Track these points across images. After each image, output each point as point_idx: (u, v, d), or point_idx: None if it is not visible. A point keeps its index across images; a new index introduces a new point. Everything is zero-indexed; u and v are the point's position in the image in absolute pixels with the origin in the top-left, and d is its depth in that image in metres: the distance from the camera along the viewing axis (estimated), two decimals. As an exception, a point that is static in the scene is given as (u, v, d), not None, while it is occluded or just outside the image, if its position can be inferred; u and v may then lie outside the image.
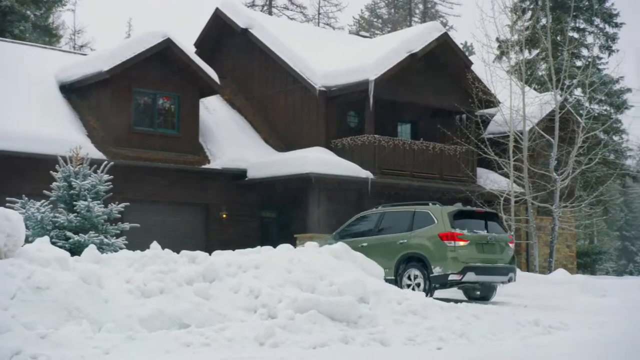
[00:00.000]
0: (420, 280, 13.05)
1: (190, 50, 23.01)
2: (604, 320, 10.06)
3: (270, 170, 21.85)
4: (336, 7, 46.89)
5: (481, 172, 24.21)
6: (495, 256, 13.29)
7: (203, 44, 26.90)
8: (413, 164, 22.92)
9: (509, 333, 8.47)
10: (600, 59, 33.44)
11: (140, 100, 21.56)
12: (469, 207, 15.13)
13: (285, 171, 21.45)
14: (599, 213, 31.21)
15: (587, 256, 34.05)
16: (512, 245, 13.91)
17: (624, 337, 8.67)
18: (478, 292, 13.92)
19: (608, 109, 31.99)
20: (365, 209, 22.77)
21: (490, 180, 23.50)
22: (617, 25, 33.66)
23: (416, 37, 23.46)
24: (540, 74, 30.59)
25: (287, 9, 44.63)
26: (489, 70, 23.31)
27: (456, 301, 12.00)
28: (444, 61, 23.97)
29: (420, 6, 51.24)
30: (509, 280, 13.29)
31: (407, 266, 13.35)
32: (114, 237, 12.67)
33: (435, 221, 13.47)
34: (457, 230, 13.04)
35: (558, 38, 29.16)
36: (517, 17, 31.14)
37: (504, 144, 22.52)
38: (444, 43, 23.68)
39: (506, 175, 22.57)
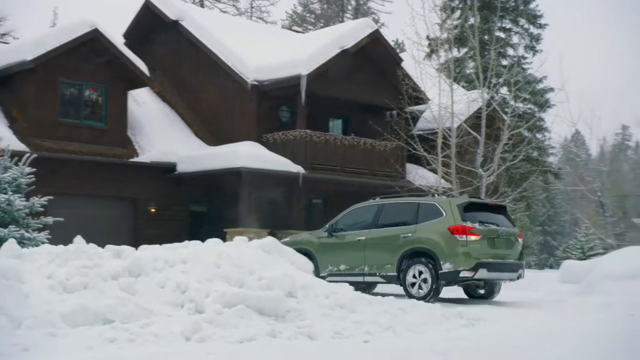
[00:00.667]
0: (427, 276, 11.97)
1: (118, 41, 22.53)
2: (526, 312, 10.36)
3: (200, 164, 21.63)
4: (269, 2, 46.82)
5: (410, 167, 24.58)
6: (506, 251, 12.38)
7: (132, 35, 26.36)
8: (344, 159, 23.09)
9: (434, 325, 8.63)
10: (525, 58, 34.38)
11: (66, 91, 20.98)
12: (478, 199, 14.22)
13: (216, 165, 21.27)
14: (522, 208, 32.13)
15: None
16: (520, 240, 12.92)
17: (543, 328, 8.96)
18: (481, 290, 13.10)
19: (532, 107, 32.93)
20: (297, 204, 22.94)
21: (419, 175, 23.86)
22: (541, 26, 34.68)
23: (348, 33, 23.62)
24: (468, 72, 31.21)
25: (219, 1, 44.21)
26: (419, 68, 23.62)
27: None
28: (375, 58, 24.22)
29: (353, 2, 51.55)
30: (518, 277, 12.52)
31: (411, 262, 12.24)
32: (36, 232, 12.29)
33: (444, 214, 12.33)
34: (469, 224, 12.02)
35: (486, 37, 29.82)
36: (447, 15, 31.81)
37: (432, 140, 22.87)
38: (376, 40, 23.93)
39: (434, 171, 22.94)
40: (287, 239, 13.98)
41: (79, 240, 8.53)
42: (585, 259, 27.24)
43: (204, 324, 7.10)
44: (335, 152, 22.98)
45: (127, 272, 7.83)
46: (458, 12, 34.32)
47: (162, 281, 7.94)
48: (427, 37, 29.62)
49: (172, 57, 25.45)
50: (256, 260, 9.15)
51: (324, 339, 7.28)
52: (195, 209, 23.33)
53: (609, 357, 6.85)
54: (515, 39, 34.32)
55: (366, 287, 13.19)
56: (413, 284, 12.11)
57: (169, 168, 21.92)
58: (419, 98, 23.79)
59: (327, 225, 13.81)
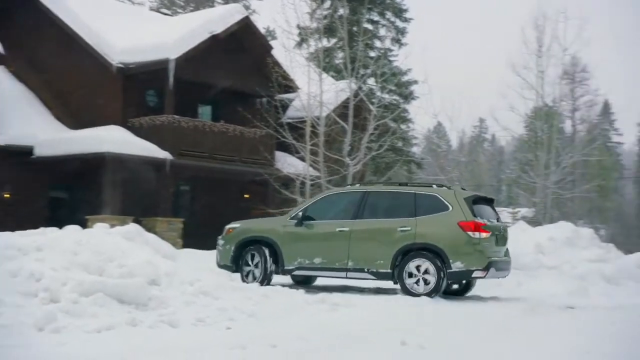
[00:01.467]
0: (431, 273, 10.91)
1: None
2: (388, 298, 10.68)
3: (61, 149, 20.70)
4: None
5: (280, 155, 24.71)
6: (504, 248, 11.75)
7: (-17, 9, 24.69)
8: (213, 145, 22.85)
9: (297, 311, 8.72)
10: (391, 51, 35.40)
11: None
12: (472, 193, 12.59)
13: (78, 150, 20.44)
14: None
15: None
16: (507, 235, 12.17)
17: (404, 312, 9.30)
18: (456, 286, 12.10)
19: (397, 98, 34.00)
20: (164, 191, 22.41)
21: (288, 163, 24.05)
22: (406, 20, 35.82)
23: (218, 18, 23.35)
24: (337, 62, 31.72)
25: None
26: (289, 56, 23.75)
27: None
28: (245, 44, 24.08)
29: (224, -13, 50.86)
30: (507, 274, 11.92)
31: (409, 258, 11.07)
32: None
33: (450, 207, 11.25)
34: (480, 220, 11.13)
35: (354, 29, 30.34)
36: (317, 5, 32.15)
37: (301, 128, 23.08)
38: (246, 26, 23.79)
39: (303, 159, 23.19)
40: (235, 225, 12.49)
41: None
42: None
43: (59, 313, 6.80)
44: (205, 139, 22.70)
45: (-26, 261, 7.35)
46: (328, 3, 34.79)
47: (15, 270, 7.50)
48: (298, 26, 29.79)
49: (31, 35, 24.07)
50: (118, 248, 8.85)
51: (186, 326, 7.18)
52: (55, 195, 22.28)
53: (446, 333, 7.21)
54: (382, 32, 35.26)
55: (304, 280, 12.62)
56: (415, 281, 11.00)
57: (26, 152, 20.80)
58: (289, 86, 23.92)
59: (294, 213, 12.11)
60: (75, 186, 22.00)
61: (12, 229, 9.95)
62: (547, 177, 25.56)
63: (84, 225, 16.03)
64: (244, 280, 11.56)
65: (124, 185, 20.65)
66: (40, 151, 20.88)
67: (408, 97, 32.88)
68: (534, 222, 26.28)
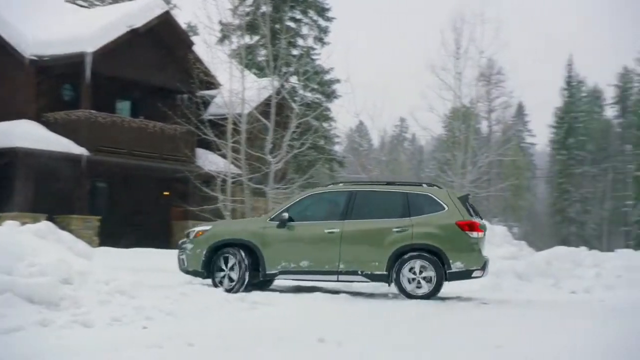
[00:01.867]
0: (431, 274, 10.75)
1: None
2: (308, 296, 10.71)
3: (-31, 144, 19.86)
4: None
5: (201, 152, 24.43)
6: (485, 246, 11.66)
7: None
8: (132, 142, 22.41)
9: (216, 310, 8.65)
10: (314, 49, 35.54)
11: None
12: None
13: (-13, 145, 19.64)
14: (309, 194, 33.32)
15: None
16: None
17: (323, 311, 9.36)
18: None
19: (319, 97, 34.18)
20: (80, 188, 21.80)
21: (209, 160, 23.80)
22: (329, 19, 36.04)
23: (138, 12, 22.90)
24: (259, 59, 31.63)
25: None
26: (211, 53, 23.51)
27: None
28: (166, 39, 23.71)
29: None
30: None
31: (407, 259, 10.83)
32: None
33: (446, 207, 11.12)
34: (475, 219, 11.20)
35: (277, 26, 30.33)
36: (239, 2, 31.90)
37: (223, 125, 22.88)
38: (166, 21, 23.42)
39: (224, 157, 23.00)
40: (205, 228, 11.52)
41: None
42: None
43: (-37, 315, 6.53)
44: (123, 135, 22.22)
45: None
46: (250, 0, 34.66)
47: None
48: (220, 22, 29.56)
49: None
50: (29, 246, 8.55)
51: (101, 326, 7.01)
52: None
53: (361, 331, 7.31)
54: (305, 30, 35.38)
55: (265, 283, 11.62)
56: (411, 282, 10.82)
57: None
58: (211, 83, 23.67)
59: (274, 214, 11.39)
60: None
61: None
62: (463, 176, 26.24)
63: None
64: (216, 286, 10.82)
65: (37, 182, 19.99)
66: (-54, 146, 19.95)
67: (330, 95, 33.11)
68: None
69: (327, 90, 33.79)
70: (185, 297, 9.01)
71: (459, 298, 11.35)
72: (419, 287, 10.79)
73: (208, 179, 22.81)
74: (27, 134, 19.88)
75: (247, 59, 30.04)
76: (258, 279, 11.12)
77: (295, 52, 33.31)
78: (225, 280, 10.93)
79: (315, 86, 33.17)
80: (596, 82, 70.26)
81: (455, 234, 10.95)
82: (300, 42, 34.64)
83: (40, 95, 21.74)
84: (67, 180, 20.75)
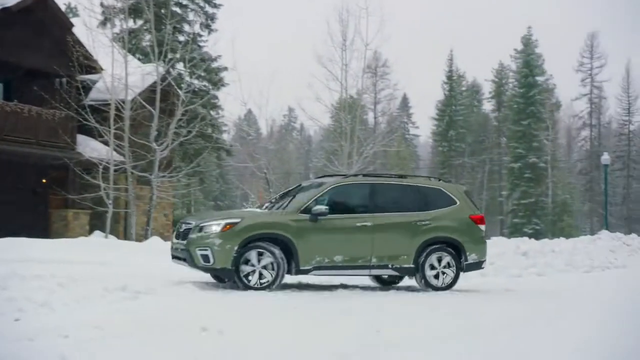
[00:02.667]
0: (451, 266, 11.32)
1: None
2: (190, 283, 10.54)
3: None
4: None
5: (81, 139, 23.47)
6: None
7: None
8: (5, 127, 21.20)
9: (95, 299, 8.33)
10: (201, 36, 34.92)
11: None
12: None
13: None
14: (195, 183, 32.86)
15: (184, 224, 35.54)
16: None
17: (208, 301, 9.24)
18: (388, 276, 12.12)
19: (207, 84, 33.65)
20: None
21: (90, 147, 22.94)
22: (216, 5, 35.46)
23: (11, -10, 21.64)
24: (144, 44, 30.75)
25: None
26: (92, 36, 22.66)
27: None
28: (43, 20, 22.53)
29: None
30: None
31: (430, 252, 11.22)
32: None
33: (457, 201, 11.74)
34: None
35: (162, 11, 29.57)
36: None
37: (105, 111, 22.14)
38: (42, 1, 22.27)
39: (107, 143, 22.26)
40: (233, 220, 10.34)
41: None
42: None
43: None
44: (-7, 119, 20.98)
45: None
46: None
47: None
48: (101, 5, 28.51)
49: None
50: None
51: (-33, 319, 6.60)
52: None
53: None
54: (191, 16, 34.65)
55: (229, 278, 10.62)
56: (435, 275, 11.25)
57: None
58: (92, 67, 22.82)
59: (301, 206, 10.70)
60: None
61: None
62: (350, 166, 26.65)
63: None
64: (246, 286, 10.05)
65: None
66: None
67: (217, 83, 32.64)
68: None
69: (215, 78, 33.26)
70: (62, 288, 8.62)
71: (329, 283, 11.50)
72: (438, 280, 11.25)
73: (89, 167, 21.99)
74: None
75: (131, 44, 29.15)
76: (291, 274, 10.60)
77: (181, 38, 32.60)
78: (255, 277, 10.15)
79: (202, 73, 32.56)
80: (475, 77, 73.37)
81: (470, 227, 11.66)
82: (186, 28, 33.86)
83: None
84: None
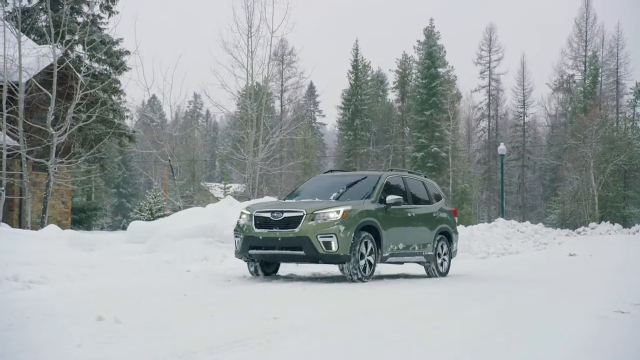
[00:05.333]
0: (447, 255, 13.01)
1: None
2: (86, 272, 10.25)
3: None
4: None
5: (-30, 122, 22.25)
6: None
7: None
8: None
9: (-17, 290, 7.97)
10: (101, 18, 33.78)
11: None
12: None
13: None
14: (96, 170, 31.84)
15: (83, 212, 34.53)
16: None
17: (105, 289, 9.00)
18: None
19: (108, 68, 32.59)
20: None
21: (-19, 132, 21.79)
22: (117, -14, 34.31)
23: None
24: (40, 25, 29.42)
25: None
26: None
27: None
28: None
29: None
30: None
31: (439, 240, 12.75)
32: None
33: (442, 196, 13.38)
34: None
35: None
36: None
37: (-3, 94, 21.08)
38: None
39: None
40: (347, 208, 10.28)
41: None
42: (153, 220, 28.22)
43: None
44: None
45: None
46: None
47: None
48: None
49: None
50: None
51: None
52: None
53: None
54: (92, -4, 33.41)
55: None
56: (442, 263, 12.81)
57: None
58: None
59: (373, 196, 11.04)
60: None
61: None
62: (256, 153, 26.52)
63: None
64: (360, 275, 10.40)
65: None
66: None
67: (119, 67, 31.63)
68: (244, 197, 27.22)
69: (116, 62, 32.19)
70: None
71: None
72: (442, 266, 12.78)
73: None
74: None
75: (25, 24, 27.86)
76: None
77: (80, 19, 31.42)
78: (367, 267, 10.55)
79: (103, 57, 31.47)
80: (380, 67, 74.61)
81: (453, 219, 13.33)
82: (85, 9, 32.63)
83: None
84: None
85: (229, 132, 68.94)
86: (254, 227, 10.40)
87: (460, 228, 24.78)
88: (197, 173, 52.81)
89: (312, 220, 10.01)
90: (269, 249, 10.28)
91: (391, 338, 5.67)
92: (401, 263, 12.33)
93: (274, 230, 10.18)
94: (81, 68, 23.99)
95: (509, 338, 5.80)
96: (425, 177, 13.63)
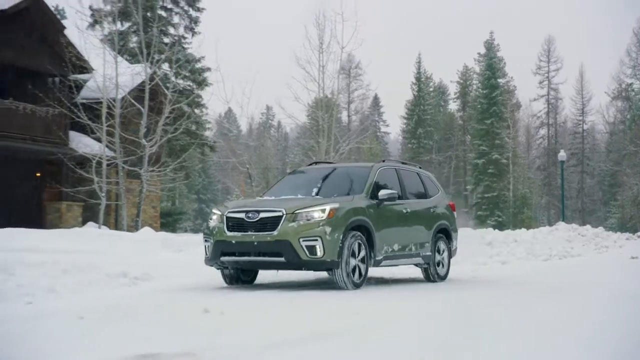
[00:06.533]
0: (445, 255, 10.67)
1: None
2: (179, 272, 10.63)
3: None
4: None
5: (73, 135, 23.37)
6: None
7: None
8: (1, 123, 21.05)
9: (98, 286, 8.44)
10: (185, 38, 34.83)
11: None
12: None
13: None
14: (181, 177, 32.80)
15: (170, 216, 35.58)
16: None
17: (205, 285, 9.37)
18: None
19: (191, 84, 33.58)
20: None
21: (82, 143, 22.86)
22: (199, 9, 35.35)
23: (6, -7, 21.46)
24: (131, 46, 30.57)
25: None
26: (83, 37, 22.55)
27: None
28: (36, 22, 22.38)
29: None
30: None
31: (437, 238, 10.50)
32: None
33: (439, 189, 11.13)
34: None
35: (149, 14, 29.46)
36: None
37: (96, 109, 22.07)
38: (36, 3, 22.12)
39: (99, 140, 22.20)
40: (335, 206, 8.35)
41: None
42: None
43: None
44: (-10, 116, 20.82)
45: None
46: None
47: None
48: (90, 8, 28.29)
49: None
50: None
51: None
52: None
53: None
54: (176, 19, 34.54)
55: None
56: (439, 263, 10.54)
57: None
58: (83, 67, 22.70)
59: (364, 191, 9.11)
60: None
61: None
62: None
63: None
64: (352, 282, 8.43)
65: None
66: None
67: (201, 83, 32.58)
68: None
69: (198, 78, 33.19)
70: (65, 274, 8.70)
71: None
72: (442, 268, 10.62)
73: (82, 161, 21.89)
74: None
75: (120, 45, 28.99)
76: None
77: (166, 40, 32.47)
78: (357, 272, 8.56)
79: (187, 74, 32.50)
80: (441, 79, 73.98)
81: (451, 214, 11.04)
82: (171, 30, 33.74)
83: None
84: None
85: (299, 141, 69.62)
86: (225, 230, 8.42)
87: (522, 231, 24.46)
88: (271, 180, 53.58)
89: (294, 221, 8.13)
90: (243, 255, 8.35)
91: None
92: (396, 265, 10.12)
93: (249, 233, 8.24)
94: (168, 84, 24.81)
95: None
96: (420, 168, 11.29)
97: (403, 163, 11.02)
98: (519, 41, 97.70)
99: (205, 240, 8.80)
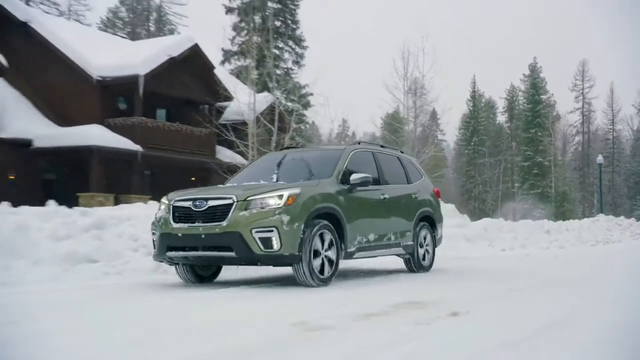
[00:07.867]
0: (430, 245, 8.29)
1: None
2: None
3: (56, 141, 20.72)
4: (85, 7, 43.74)
5: (219, 149, 25.68)
6: None
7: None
8: (170, 141, 23.56)
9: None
10: (292, 70, 36.91)
11: None
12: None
13: (69, 142, 20.57)
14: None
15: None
16: None
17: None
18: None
19: (298, 106, 35.63)
20: (135, 174, 22.78)
21: (226, 156, 25.10)
22: (303, 47, 37.42)
23: (174, 44, 24.00)
24: (254, 77, 32.75)
25: (42, 4, 40.30)
26: (225, 72, 24.75)
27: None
28: (193, 64, 24.80)
29: (154, 14, 50.05)
30: None
31: (421, 227, 8.14)
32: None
33: (422, 174, 8.72)
34: None
35: (265, 52, 31.54)
36: (236, 34, 33.02)
37: (235, 129, 24.20)
38: (194, 50, 24.52)
39: (240, 153, 24.33)
40: (294, 191, 6.10)
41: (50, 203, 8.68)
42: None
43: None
44: (164, 136, 23.35)
45: (94, 227, 8.30)
46: (244, 33, 35.66)
47: (120, 233, 8.50)
48: (222, 49, 30.71)
49: (27, 53, 23.03)
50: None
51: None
52: (48, 177, 22.17)
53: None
54: (286, 55, 36.66)
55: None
56: (423, 254, 8.18)
57: (26, 144, 20.64)
58: (226, 96, 24.96)
59: (333, 175, 6.78)
60: (65, 171, 21.99)
61: (17, 203, 8.72)
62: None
63: (75, 199, 16.69)
64: (317, 279, 6.16)
65: (105, 170, 21.03)
66: (38, 143, 20.74)
67: (306, 105, 34.63)
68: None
69: (304, 101, 35.25)
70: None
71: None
72: (425, 260, 8.23)
73: (232, 168, 24.11)
74: (98, 135, 20.85)
75: (243, 77, 31.26)
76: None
77: (278, 72, 34.57)
78: (326, 266, 6.31)
79: (295, 98, 34.57)
80: (490, 95, 73.71)
81: (436, 201, 8.69)
82: (282, 64, 35.91)
83: (103, 105, 22.66)
84: (126, 169, 21.83)
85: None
86: (171, 221, 6.26)
87: (571, 222, 25.10)
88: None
89: (245, 209, 5.95)
90: (191, 250, 6.12)
91: None
92: (373, 257, 7.56)
93: (197, 224, 6.08)
94: (292, 109, 26.73)
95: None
96: (402, 152, 8.76)
97: (382, 146, 8.39)
98: (557, 60, 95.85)
99: (153, 233, 6.55)
